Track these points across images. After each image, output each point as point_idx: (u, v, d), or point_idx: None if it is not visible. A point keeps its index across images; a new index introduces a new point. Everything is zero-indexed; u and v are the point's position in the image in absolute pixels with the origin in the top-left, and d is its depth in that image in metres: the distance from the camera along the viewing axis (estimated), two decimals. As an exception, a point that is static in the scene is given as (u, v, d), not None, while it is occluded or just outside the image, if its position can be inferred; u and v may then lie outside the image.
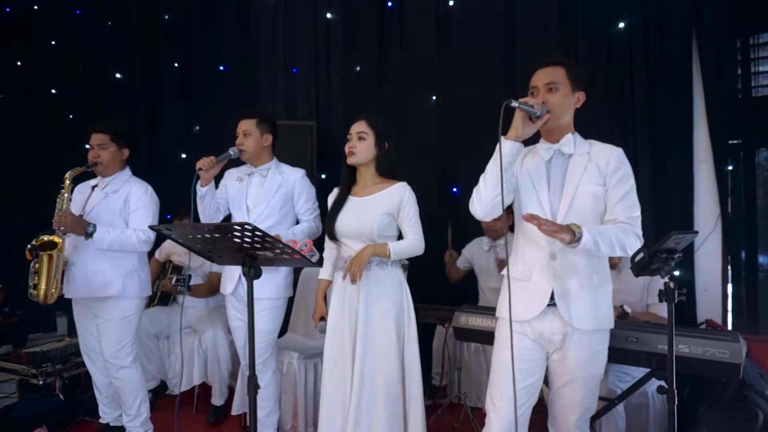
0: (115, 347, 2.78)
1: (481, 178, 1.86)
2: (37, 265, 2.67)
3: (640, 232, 1.80)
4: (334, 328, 2.41)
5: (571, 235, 1.67)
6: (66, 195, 2.73)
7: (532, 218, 1.67)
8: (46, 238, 2.67)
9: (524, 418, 1.88)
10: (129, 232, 2.75)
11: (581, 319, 1.80)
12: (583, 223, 1.74)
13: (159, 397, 3.55)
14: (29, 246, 2.65)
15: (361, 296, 2.35)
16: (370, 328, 2.33)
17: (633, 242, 1.77)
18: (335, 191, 2.53)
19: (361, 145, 2.38)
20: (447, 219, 3.67)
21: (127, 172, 2.94)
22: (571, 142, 1.88)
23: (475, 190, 1.89)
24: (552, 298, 1.82)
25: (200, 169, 2.53)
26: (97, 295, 2.74)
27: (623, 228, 1.77)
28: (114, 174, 2.88)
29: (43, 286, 2.66)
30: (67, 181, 2.75)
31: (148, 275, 2.95)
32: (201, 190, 2.59)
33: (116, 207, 2.81)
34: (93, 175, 2.93)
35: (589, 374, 1.85)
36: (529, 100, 1.79)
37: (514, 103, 1.74)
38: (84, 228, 2.65)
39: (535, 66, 1.91)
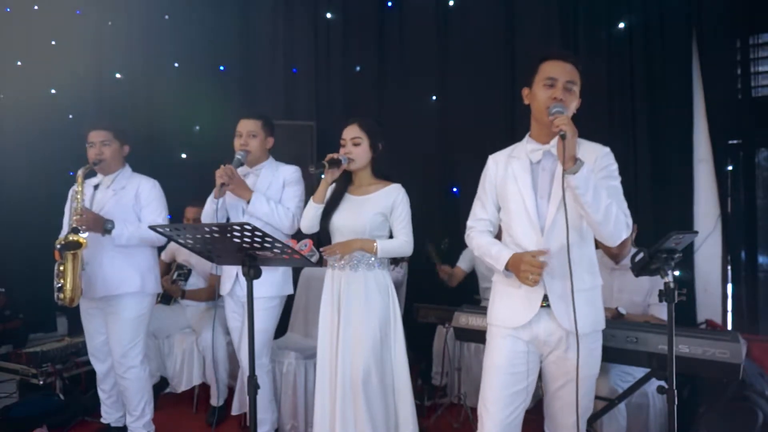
0: (126, 346, 2.76)
1: None
2: (62, 267, 2.61)
3: (630, 222, 1.77)
4: (323, 328, 2.44)
5: (573, 161, 1.62)
6: (80, 193, 2.70)
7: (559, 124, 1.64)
8: (71, 237, 2.61)
9: (517, 421, 1.86)
10: (145, 225, 2.73)
11: (579, 322, 1.76)
12: (572, 228, 1.74)
13: (159, 396, 3.55)
14: (58, 246, 2.61)
15: (347, 296, 2.37)
16: (350, 329, 2.35)
17: (621, 221, 1.72)
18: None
19: (356, 150, 2.39)
20: (427, 236, 3.40)
21: (129, 168, 2.93)
22: None
23: None
24: (545, 300, 1.80)
25: (224, 184, 2.50)
26: (115, 292, 2.71)
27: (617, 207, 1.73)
28: (116, 171, 2.86)
29: (69, 287, 2.61)
30: (80, 179, 2.71)
31: (158, 272, 2.95)
32: (216, 202, 2.56)
33: (128, 203, 2.79)
34: (91, 174, 2.89)
35: (587, 374, 1.82)
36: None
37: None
38: (103, 225, 2.63)
39: (551, 55, 1.81)
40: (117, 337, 2.77)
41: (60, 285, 2.62)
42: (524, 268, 1.74)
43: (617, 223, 1.71)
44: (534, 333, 1.82)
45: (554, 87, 1.77)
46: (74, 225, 2.62)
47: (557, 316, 1.77)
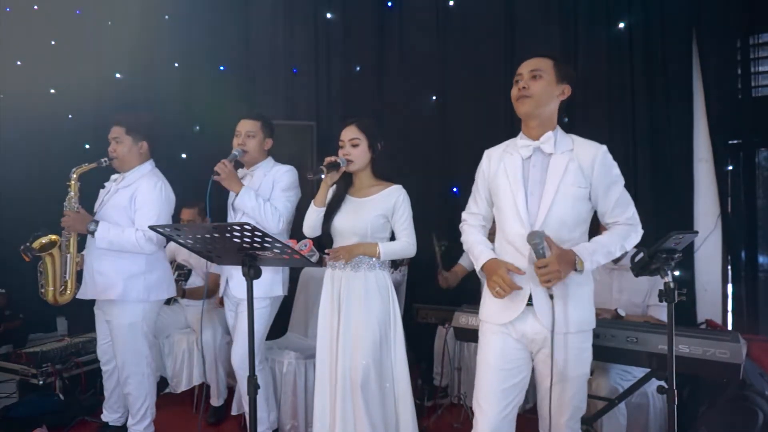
0: (125, 353, 2.71)
1: None
2: (42, 266, 2.63)
3: (639, 227, 1.84)
4: (323, 328, 2.44)
5: (571, 268, 1.73)
6: (72, 193, 2.66)
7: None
8: (44, 240, 2.62)
9: (511, 417, 1.86)
10: (129, 231, 2.62)
11: (560, 322, 1.76)
12: (563, 226, 1.76)
13: (159, 396, 3.54)
14: (22, 247, 2.61)
15: (347, 296, 2.37)
16: (350, 330, 2.36)
17: (631, 239, 1.83)
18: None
19: (355, 151, 2.39)
20: (433, 235, 3.37)
21: (147, 166, 2.81)
22: (551, 140, 1.83)
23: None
24: (531, 299, 1.80)
25: (217, 174, 2.53)
26: (100, 297, 2.67)
27: (624, 232, 1.81)
28: (130, 169, 2.78)
29: (50, 288, 2.61)
30: (73, 179, 2.67)
31: (162, 277, 2.80)
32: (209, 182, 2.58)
33: (120, 205, 2.69)
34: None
35: (575, 373, 1.82)
36: None
37: None
38: (85, 225, 2.60)
39: (524, 59, 1.92)
40: (114, 343, 2.75)
41: (43, 283, 2.63)
42: (495, 279, 1.80)
43: (629, 242, 1.83)
44: (522, 331, 1.83)
45: (519, 83, 1.86)
46: (61, 224, 2.63)
47: (538, 315, 1.78)
